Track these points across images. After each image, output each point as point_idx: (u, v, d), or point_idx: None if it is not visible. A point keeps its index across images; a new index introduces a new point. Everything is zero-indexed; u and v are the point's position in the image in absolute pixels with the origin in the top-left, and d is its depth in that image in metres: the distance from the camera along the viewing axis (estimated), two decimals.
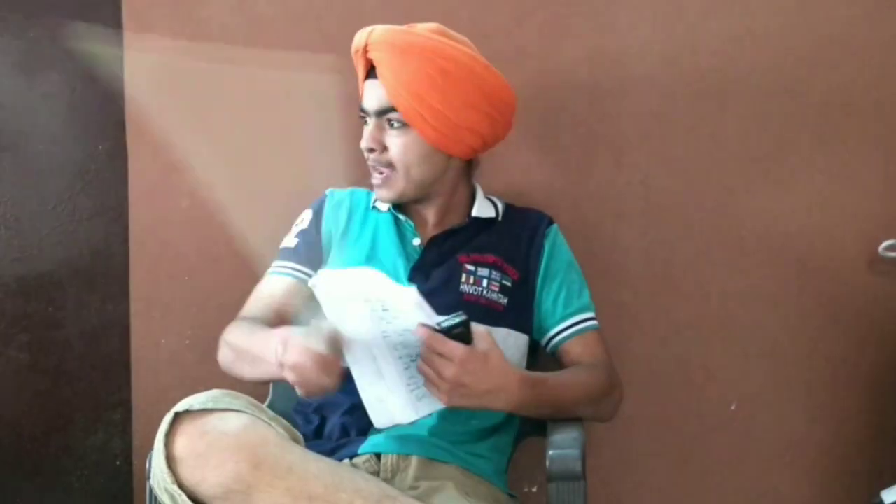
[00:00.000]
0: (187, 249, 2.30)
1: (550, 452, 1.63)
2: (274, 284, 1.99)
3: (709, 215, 2.25)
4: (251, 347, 1.77)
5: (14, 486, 2.37)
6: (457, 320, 1.58)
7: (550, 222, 2.04)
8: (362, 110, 1.92)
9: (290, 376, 1.56)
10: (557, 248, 2.02)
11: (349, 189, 2.10)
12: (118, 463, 2.37)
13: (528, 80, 2.22)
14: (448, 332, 1.57)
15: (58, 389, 2.36)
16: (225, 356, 1.89)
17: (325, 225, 2.03)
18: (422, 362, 1.58)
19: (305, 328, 1.63)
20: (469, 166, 2.04)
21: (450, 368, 1.56)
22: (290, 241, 2.03)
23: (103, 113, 2.32)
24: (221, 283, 2.15)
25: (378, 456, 1.73)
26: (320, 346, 1.55)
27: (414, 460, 1.72)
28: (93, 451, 2.37)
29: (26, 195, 2.33)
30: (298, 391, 1.58)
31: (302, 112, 2.28)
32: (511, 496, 1.83)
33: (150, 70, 2.30)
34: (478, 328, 1.61)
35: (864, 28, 2.20)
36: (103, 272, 2.34)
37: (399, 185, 1.91)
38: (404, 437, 1.74)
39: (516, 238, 2.00)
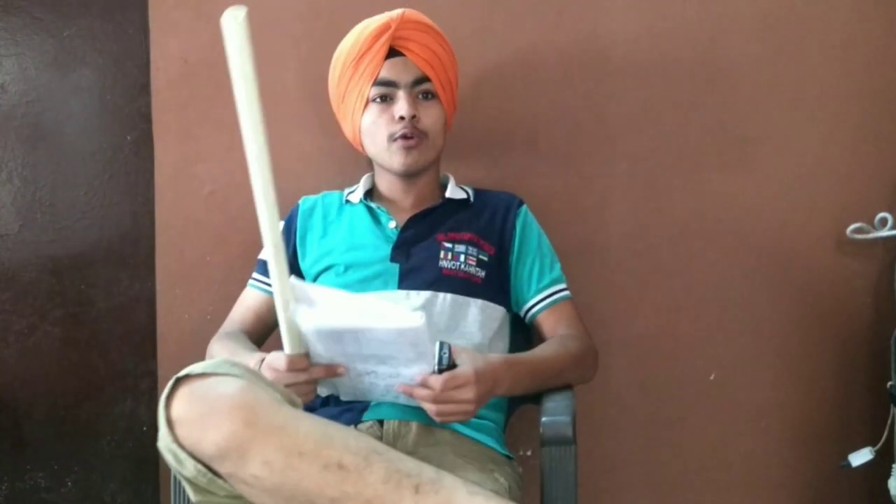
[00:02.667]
0: (208, 232, 2.31)
1: (543, 419, 1.63)
2: (249, 299, 2.05)
3: (688, 199, 2.25)
4: None
5: (50, 449, 2.38)
6: (445, 352, 1.58)
7: (521, 203, 2.05)
8: (386, 84, 1.91)
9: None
10: (528, 227, 2.02)
11: (321, 194, 2.11)
12: (145, 429, 2.37)
13: (514, 68, 2.24)
14: (448, 367, 1.58)
15: (89, 361, 2.37)
16: None
17: (299, 233, 2.04)
18: (441, 408, 1.59)
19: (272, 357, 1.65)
20: None
21: (471, 391, 1.58)
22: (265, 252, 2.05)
23: (131, 106, 2.33)
24: (239, 263, 2.16)
25: (381, 423, 1.73)
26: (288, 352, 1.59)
27: (414, 426, 1.72)
28: (122, 418, 2.38)
29: (60, 182, 2.34)
30: None
31: (316, 105, 2.26)
32: (508, 457, 1.82)
33: (175, 66, 2.30)
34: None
35: (832, 25, 2.20)
36: (131, 253, 2.35)
37: (429, 153, 1.94)
38: (405, 406, 1.74)
39: (490, 217, 2.01)
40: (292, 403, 1.44)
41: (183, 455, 1.33)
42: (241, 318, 2.02)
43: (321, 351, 1.59)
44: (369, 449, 1.35)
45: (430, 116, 1.93)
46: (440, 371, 1.58)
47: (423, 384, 1.58)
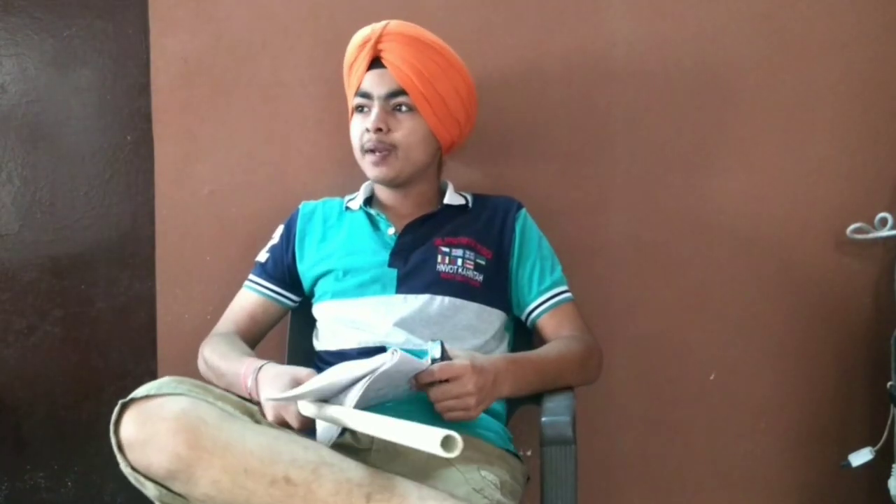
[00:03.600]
0: (208, 232, 2.29)
1: (544, 419, 1.62)
2: (244, 300, 2.04)
3: (688, 199, 2.23)
4: (225, 372, 1.80)
5: (49, 448, 2.38)
6: (438, 346, 1.57)
7: (520, 207, 2.03)
8: (364, 96, 1.91)
9: (268, 414, 1.57)
10: (528, 230, 2.00)
11: (321, 200, 2.10)
12: None
13: (516, 71, 2.23)
14: (441, 360, 1.57)
15: (89, 360, 2.37)
16: (202, 369, 1.93)
17: (298, 238, 2.03)
18: (442, 403, 1.57)
19: (267, 370, 1.62)
20: (440, 163, 2.07)
21: (469, 381, 1.56)
22: (262, 255, 2.06)
23: (131, 106, 2.32)
24: (238, 262, 2.15)
25: None
26: (281, 391, 1.54)
27: None
28: None
29: (61, 181, 2.33)
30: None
31: (315, 105, 2.26)
32: (507, 450, 1.79)
33: (175, 66, 2.29)
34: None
35: (831, 26, 2.18)
36: (131, 252, 2.34)
37: (398, 165, 1.91)
38: (392, 406, 1.70)
39: (488, 221, 1.99)
40: (247, 412, 1.46)
41: (141, 478, 1.36)
42: (234, 319, 2.01)
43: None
44: (318, 461, 1.37)
45: (403, 129, 1.90)
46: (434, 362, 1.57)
47: (421, 380, 1.57)
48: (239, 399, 1.48)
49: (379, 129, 1.88)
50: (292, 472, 1.33)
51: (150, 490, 1.36)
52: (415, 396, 1.63)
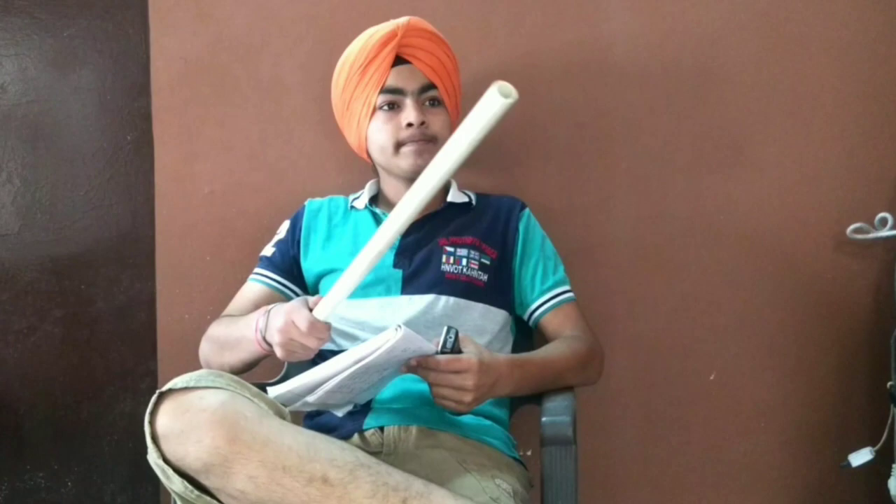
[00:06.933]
0: (208, 232, 2.28)
1: (544, 419, 1.61)
2: (250, 290, 2.01)
3: (688, 200, 2.22)
4: (232, 332, 1.79)
5: (50, 448, 2.37)
6: (452, 336, 1.56)
7: (523, 207, 2.02)
8: (393, 92, 1.90)
9: (275, 338, 1.58)
10: (531, 230, 1.99)
11: (327, 198, 2.09)
12: None
13: (516, 70, 2.22)
14: (451, 350, 1.56)
15: (89, 361, 2.36)
16: (204, 350, 1.91)
17: (303, 233, 2.02)
18: (438, 389, 1.57)
19: (279, 305, 1.63)
20: None
21: (471, 378, 1.55)
22: (268, 250, 2.04)
23: (131, 106, 2.32)
24: (239, 262, 2.15)
25: (382, 429, 1.70)
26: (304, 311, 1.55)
27: (414, 430, 1.69)
28: (121, 418, 2.36)
29: (61, 182, 2.34)
30: (280, 354, 1.60)
31: (315, 105, 2.24)
32: (514, 458, 1.79)
33: (175, 66, 2.28)
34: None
35: (831, 26, 2.18)
36: (132, 253, 2.34)
37: None
38: (405, 410, 1.73)
39: (492, 221, 1.98)
40: (279, 414, 1.43)
41: (170, 471, 1.33)
42: (239, 309, 1.98)
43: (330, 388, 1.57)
44: (356, 462, 1.35)
45: (439, 122, 1.92)
46: (443, 353, 1.56)
47: (424, 364, 1.56)
48: (272, 400, 1.46)
49: (423, 123, 1.88)
50: (330, 472, 1.32)
51: (176, 485, 1.33)
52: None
